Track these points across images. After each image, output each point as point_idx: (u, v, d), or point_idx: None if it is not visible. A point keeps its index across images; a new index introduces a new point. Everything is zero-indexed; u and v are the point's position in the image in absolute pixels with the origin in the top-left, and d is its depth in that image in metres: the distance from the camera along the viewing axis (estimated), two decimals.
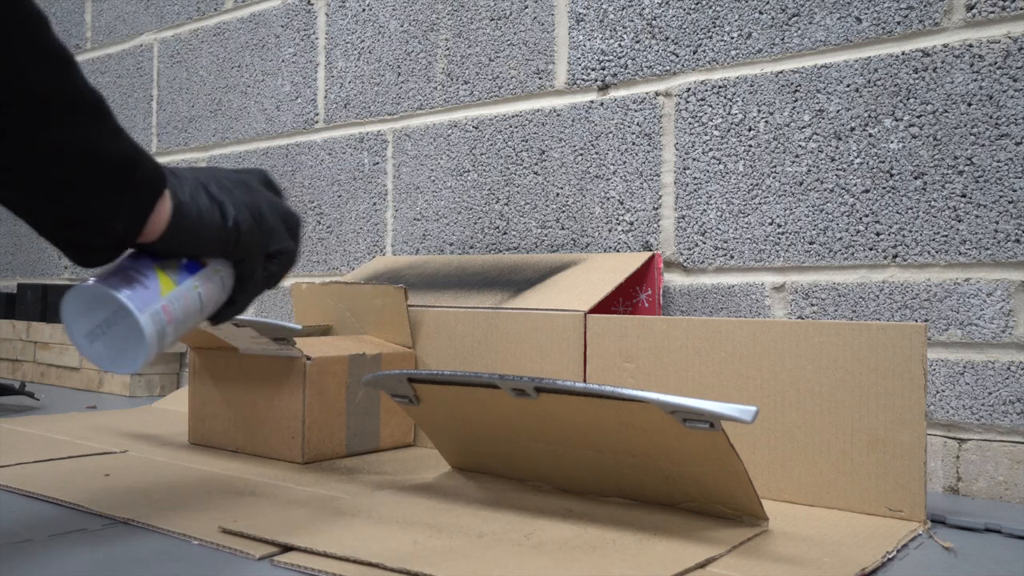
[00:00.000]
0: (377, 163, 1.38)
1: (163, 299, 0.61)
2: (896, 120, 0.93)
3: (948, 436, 0.90)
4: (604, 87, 1.14)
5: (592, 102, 1.15)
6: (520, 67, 1.22)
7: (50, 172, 0.55)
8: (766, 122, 1.01)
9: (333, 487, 0.82)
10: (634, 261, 1.04)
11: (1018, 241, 0.87)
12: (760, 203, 1.02)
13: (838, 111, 0.97)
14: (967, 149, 0.89)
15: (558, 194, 1.18)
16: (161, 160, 1.70)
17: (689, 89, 1.07)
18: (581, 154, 1.16)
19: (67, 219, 0.57)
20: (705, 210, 1.05)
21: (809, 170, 0.98)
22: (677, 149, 1.08)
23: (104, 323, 0.60)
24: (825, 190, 0.97)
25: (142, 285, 0.60)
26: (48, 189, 0.55)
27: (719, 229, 1.04)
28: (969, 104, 0.89)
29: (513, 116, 1.22)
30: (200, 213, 0.61)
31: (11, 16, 0.51)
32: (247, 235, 0.64)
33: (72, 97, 0.55)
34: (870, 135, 0.95)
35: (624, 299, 1.07)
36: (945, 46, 0.91)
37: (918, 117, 0.92)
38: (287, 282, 1.49)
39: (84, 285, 0.60)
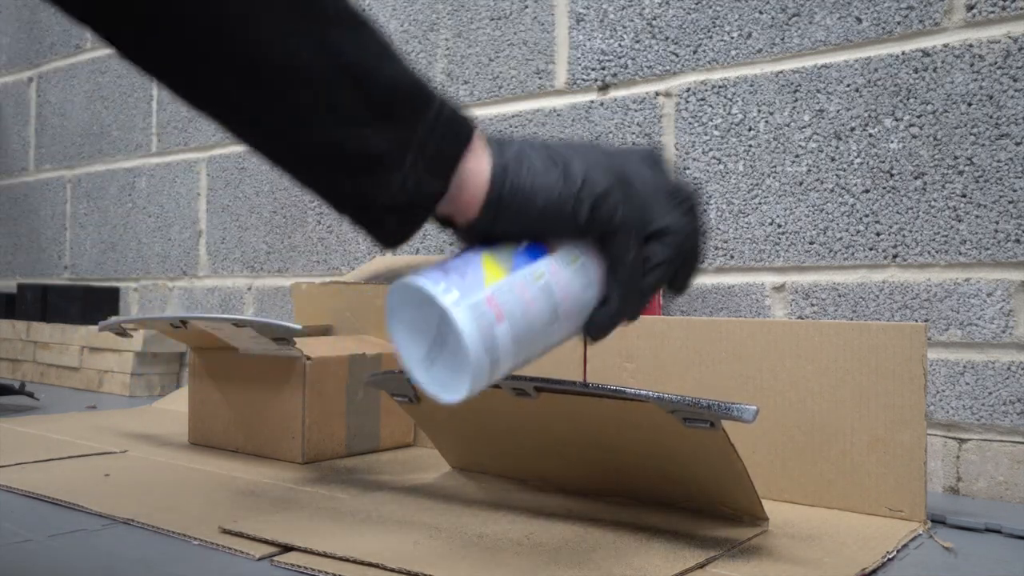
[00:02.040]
0: None
1: (486, 289, 0.46)
2: (896, 120, 0.93)
3: (948, 436, 0.90)
4: (604, 87, 1.14)
5: (592, 102, 1.15)
6: (520, 67, 1.22)
7: (291, 85, 0.44)
8: (766, 122, 1.01)
9: (333, 487, 0.82)
10: None
11: (1018, 241, 0.87)
12: (760, 203, 1.02)
13: (838, 111, 0.97)
14: (967, 149, 0.89)
15: None
16: (161, 160, 1.70)
17: (689, 89, 1.07)
18: None
19: (337, 159, 0.45)
20: (705, 210, 1.05)
21: (809, 170, 0.98)
22: (677, 149, 1.08)
23: (436, 339, 0.47)
24: (825, 190, 0.97)
25: (459, 273, 0.46)
26: (297, 109, 0.44)
27: (719, 229, 1.04)
28: (969, 104, 0.89)
29: (513, 116, 1.22)
30: (533, 174, 0.47)
31: None
32: (607, 201, 0.47)
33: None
34: (870, 135, 0.95)
35: None
36: (945, 46, 0.91)
37: (918, 117, 0.92)
38: (287, 281, 1.48)
39: (391, 287, 0.48)
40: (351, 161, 0.45)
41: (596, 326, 0.50)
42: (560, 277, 0.48)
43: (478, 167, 0.47)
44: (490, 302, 0.45)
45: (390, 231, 0.48)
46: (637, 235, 0.49)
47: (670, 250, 0.50)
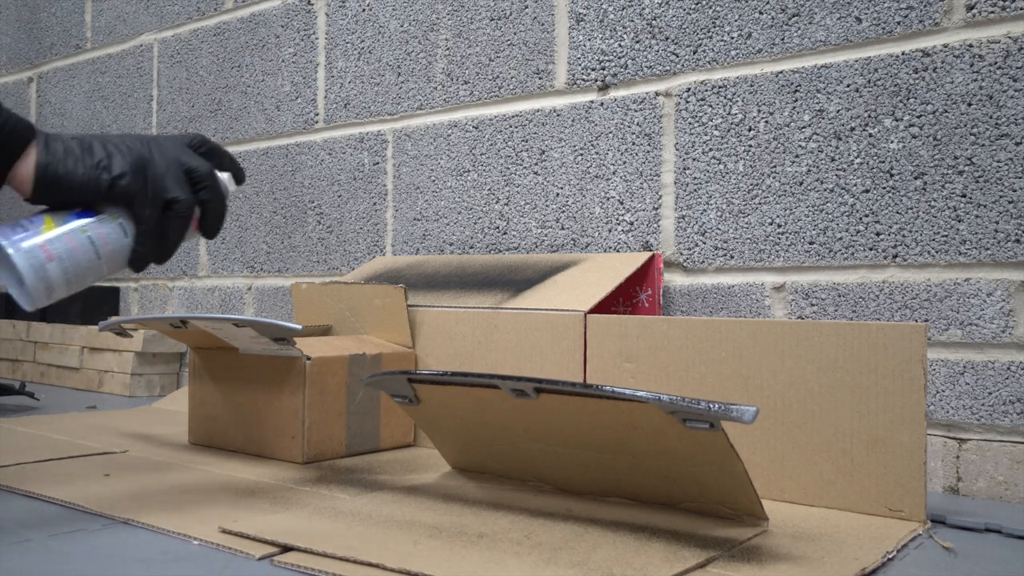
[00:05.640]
0: (377, 163, 1.38)
1: (42, 237, 0.66)
2: (896, 120, 0.93)
3: (948, 436, 0.90)
4: (604, 87, 1.14)
5: (592, 102, 1.15)
6: (520, 67, 1.22)
7: None
8: (766, 122, 1.01)
9: (333, 487, 0.82)
10: (634, 261, 1.04)
11: (1018, 241, 0.87)
12: (760, 203, 1.02)
13: (838, 111, 0.97)
14: (967, 149, 0.89)
15: (558, 194, 1.18)
16: None
17: (689, 89, 1.07)
18: (581, 154, 1.16)
19: None
20: (705, 210, 1.05)
21: (809, 170, 0.98)
22: (677, 149, 1.08)
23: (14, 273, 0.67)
24: (825, 190, 0.97)
25: (23, 228, 0.66)
26: None
27: (719, 229, 1.04)
28: (969, 104, 0.89)
29: (513, 116, 1.22)
30: (68, 165, 0.66)
31: None
32: (124, 180, 0.67)
33: None
34: (870, 135, 0.95)
35: (624, 299, 1.07)
36: (945, 46, 0.91)
37: (918, 117, 0.92)
38: (287, 281, 1.49)
39: None
40: None
41: (134, 263, 0.70)
42: (100, 230, 0.68)
43: (26, 166, 0.66)
44: (43, 248, 0.66)
45: None
46: (152, 202, 0.68)
47: (180, 215, 0.69)
